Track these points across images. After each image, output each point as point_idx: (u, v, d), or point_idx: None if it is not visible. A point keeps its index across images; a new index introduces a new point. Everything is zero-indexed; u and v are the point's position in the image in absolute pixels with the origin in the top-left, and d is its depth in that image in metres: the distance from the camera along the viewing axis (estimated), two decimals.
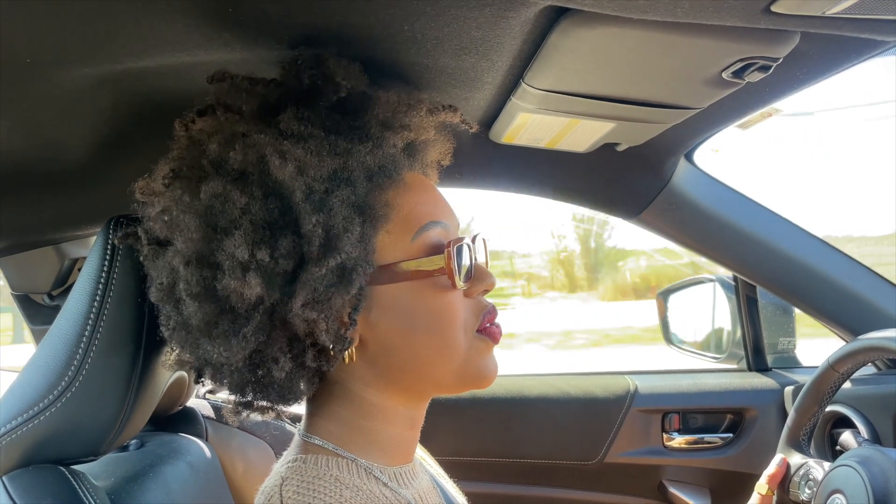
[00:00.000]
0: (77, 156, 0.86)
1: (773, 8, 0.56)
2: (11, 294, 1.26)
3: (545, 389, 1.51)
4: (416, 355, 0.63)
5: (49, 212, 1.01)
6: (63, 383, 0.68)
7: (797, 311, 1.49)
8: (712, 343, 1.70)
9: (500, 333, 0.68)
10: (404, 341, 0.63)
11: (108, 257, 0.71)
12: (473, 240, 0.69)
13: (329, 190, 0.59)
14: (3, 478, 0.67)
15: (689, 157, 1.22)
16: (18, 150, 0.82)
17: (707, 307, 1.68)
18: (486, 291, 0.68)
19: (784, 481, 0.98)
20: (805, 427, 1.02)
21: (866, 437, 1.15)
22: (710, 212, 1.23)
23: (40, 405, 0.67)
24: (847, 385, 1.18)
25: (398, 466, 0.68)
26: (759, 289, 1.54)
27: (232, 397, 0.66)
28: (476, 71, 0.75)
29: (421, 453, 0.82)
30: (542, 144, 1.01)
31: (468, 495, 0.85)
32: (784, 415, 1.41)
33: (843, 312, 1.28)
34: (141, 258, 0.65)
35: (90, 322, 0.69)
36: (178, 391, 1.16)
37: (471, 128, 0.78)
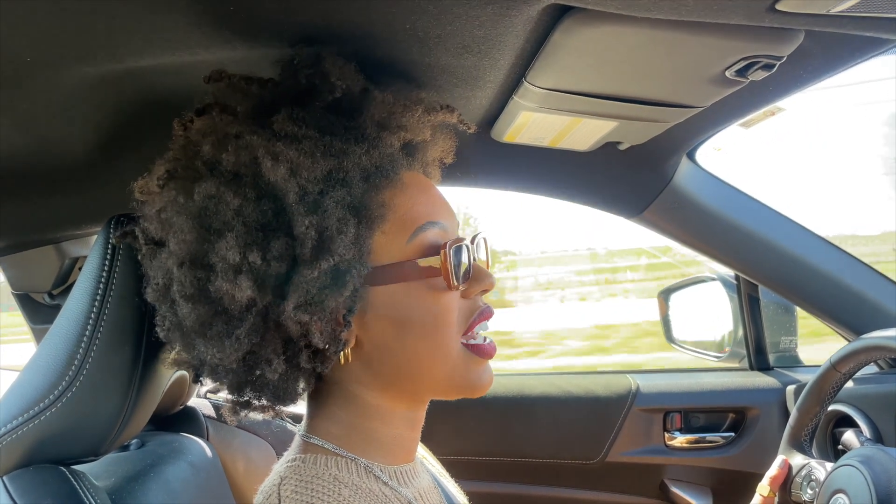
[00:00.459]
0: (77, 154, 0.86)
1: (778, 6, 0.56)
2: (12, 293, 1.26)
3: (547, 388, 1.51)
4: (410, 357, 0.63)
5: (49, 211, 1.01)
6: (64, 383, 0.67)
7: (799, 310, 1.48)
8: (714, 342, 1.69)
9: (494, 349, 0.67)
10: (399, 343, 0.63)
11: (108, 256, 0.71)
12: (473, 240, 0.68)
13: (323, 191, 0.59)
14: (4, 478, 0.67)
15: (691, 156, 1.21)
16: (19, 149, 0.82)
17: (709, 306, 1.68)
18: (485, 292, 0.68)
19: (786, 482, 0.98)
20: (807, 427, 1.02)
21: (869, 436, 1.15)
22: (713, 211, 1.23)
23: (41, 405, 0.67)
24: (849, 384, 1.17)
25: (399, 465, 0.68)
26: (761, 288, 1.53)
27: (230, 397, 0.66)
28: (478, 69, 0.75)
29: (422, 452, 0.82)
30: (545, 143, 1.01)
31: (469, 494, 0.85)
32: (786, 414, 1.40)
33: (846, 311, 1.28)
34: (139, 257, 0.66)
35: (91, 321, 0.69)
36: (179, 390, 1.16)
37: (468, 128, 0.78)
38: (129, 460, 0.95)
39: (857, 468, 0.83)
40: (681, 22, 0.61)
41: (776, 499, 0.98)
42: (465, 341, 0.65)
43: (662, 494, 1.48)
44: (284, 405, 0.65)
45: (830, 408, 1.21)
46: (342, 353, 0.62)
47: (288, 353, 0.61)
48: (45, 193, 0.95)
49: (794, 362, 1.60)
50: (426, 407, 0.71)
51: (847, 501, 0.83)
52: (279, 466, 0.64)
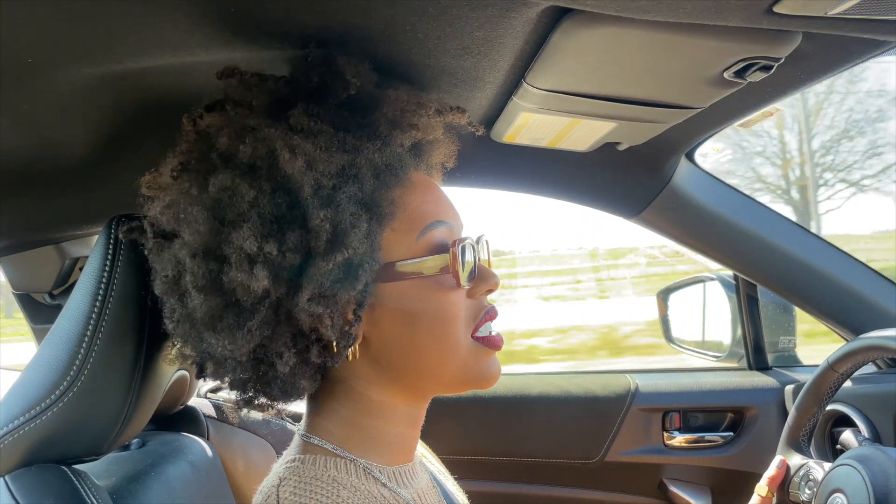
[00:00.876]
0: (78, 155, 0.86)
1: (776, 8, 0.56)
2: (13, 293, 1.26)
3: (546, 388, 1.51)
4: (417, 354, 0.64)
5: (50, 211, 1.01)
6: (65, 383, 0.68)
7: (798, 309, 1.49)
8: (713, 342, 1.70)
9: (501, 341, 0.68)
10: (406, 339, 0.63)
11: (109, 256, 0.71)
12: (477, 240, 0.69)
13: (337, 186, 0.60)
14: (6, 477, 0.67)
15: (689, 157, 1.22)
16: (20, 150, 0.82)
17: (708, 306, 1.68)
18: (490, 291, 0.69)
19: (784, 483, 0.98)
20: (805, 427, 1.02)
21: (867, 436, 1.15)
22: (711, 211, 1.23)
23: (42, 405, 0.67)
24: (847, 384, 1.18)
25: (398, 466, 0.68)
26: (759, 287, 1.54)
27: (233, 395, 0.66)
28: (478, 70, 0.75)
29: (422, 450, 0.82)
30: (544, 144, 1.01)
31: (469, 493, 0.85)
32: (784, 414, 1.41)
33: (844, 311, 1.28)
34: (146, 252, 0.65)
35: (92, 321, 0.69)
36: (180, 390, 1.16)
37: (477, 130, 0.78)
38: (130, 460, 0.95)
39: (854, 468, 0.83)
40: (679, 24, 0.61)
41: (774, 499, 0.98)
42: (474, 335, 0.66)
43: (661, 494, 1.48)
44: (289, 401, 0.66)
45: (829, 407, 1.21)
46: (350, 349, 0.62)
47: (298, 347, 0.62)
48: (45, 194, 0.95)
49: (792, 362, 1.60)
50: (427, 405, 0.71)
51: (845, 501, 0.83)
52: (278, 467, 0.64)
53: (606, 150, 1.05)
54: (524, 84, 0.78)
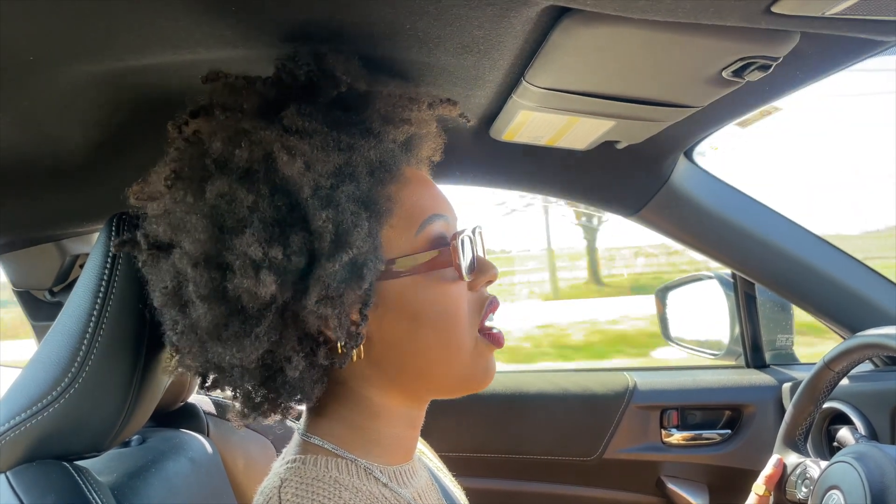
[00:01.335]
0: (78, 153, 0.86)
1: (774, 8, 0.56)
2: (13, 290, 1.27)
3: (544, 386, 1.51)
4: (422, 351, 0.63)
5: (50, 208, 1.01)
6: (66, 379, 0.68)
7: (795, 308, 1.49)
8: (711, 340, 1.70)
9: (503, 339, 0.68)
10: (410, 337, 0.63)
11: (110, 254, 0.71)
12: (474, 232, 0.69)
13: (335, 185, 0.59)
14: (7, 473, 0.67)
15: (688, 155, 1.22)
16: (20, 147, 0.82)
17: (705, 304, 1.69)
18: (490, 282, 0.69)
19: (781, 481, 0.99)
20: (801, 426, 1.02)
21: (863, 433, 1.15)
22: (709, 209, 1.24)
23: (44, 401, 0.67)
24: (844, 382, 1.18)
25: (398, 465, 0.68)
26: (757, 286, 1.54)
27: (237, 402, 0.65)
28: (477, 69, 0.76)
29: (420, 446, 0.82)
30: (543, 142, 1.01)
31: (467, 490, 0.85)
32: (782, 411, 1.41)
33: (841, 309, 1.28)
34: (139, 264, 0.64)
35: (93, 318, 0.69)
36: (180, 387, 1.17)
37: (468, 121, 0.78)
38: (131, 456, 0.96)
39: (851, 464, 0.84)
40: (677, 23, 0.62)
41: (771, 498, 0.99)
42: (481, 330, 0.66)
43: (659, 491, 1.49)
44: (300, 404, 0.65)
45: (825, 405, 1.21)
46: (355, 350, 0.62)
47: (306, 350, 0.61)
48: (45, 191, 0.96)
49: (789, 360, 1.61)
50: (426, 406, 0.71)
51: (841, 497, 0.83)
52: (279, 467, 0.63)
53: (605, 149, 1.06)
54: (524, 82, 0.78)
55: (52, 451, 0.70)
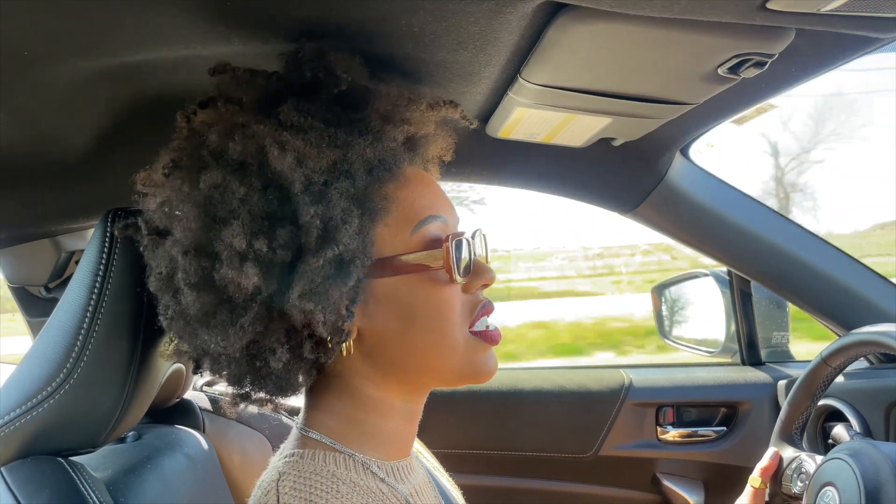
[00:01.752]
0: (74, 148, 0.86)
1: (769, 5, 0.56)
2: (8, 286, 1.26)
3: (540, 383, 1.51)
4: (413, 349, 0.64)
5: (46, 204, 1.01)
6: (62, 375, 0.68)
7: (791, 305, 1.50)
8: (706, 337, 1.71)
9: (499, 336, 0.68)
10: (401, 335, 0.63)
11: (106, 249, 0.71)
12: (473, 235, 0.69)
13: (328, 182, 0.59)
14: (2, 469, 0.67)
15: (684, 153, 1.22)
16: (16, 143, 0.82)
17: (701, 302, 1.69)
18: (486, 286, 0.69)
19: (777, 474, 0.99)
20: (797, 421, 1.03)
21: (858, 430, 1.16)
22: (706, 206, 1.24)
23: (39, 397, 0.67)
24: (839, 379, 1.19)
25: (396, 461, 0.68)
26: (753, 283, 1.55)
27: (230, 389, 0.66)
28: (473, 65, 0.76)
29: (417, 446, 0.82)
30: (539, 139, 1.01)
31: (463, 487, 0.85)
32: (777, 409, 1.42)
33: (836, 307, 1.28)
34: (141, 248, 0.66)
35: (89, 314, 0.69)
36: (176, 383, 1.16)
37: (471, 124, 0.78)
38: (126, 452, 0.96)
39: (845, 462, 0.84)
40: (673, 20, 0.62)
41: (767, 490, 0.99)
42: (470, 330, 0.66)
43: (655, 488, 1.49)
44: (285, 397, 0.66)
45: (821, 402, 1.22)
46: (344, 344, 0.62)
47: (291, 343, 0.62)
48: (41, 187, 0.95)
49: (785, 357, 1.61)
50: (424, 400, 0.71)
51: (836, 494, 0.84)
52: (277, 461, 0.64)
53: (601, 146, 1.06)
54: (519, 79, 0.78)
55: (47, 447, 0.70)
